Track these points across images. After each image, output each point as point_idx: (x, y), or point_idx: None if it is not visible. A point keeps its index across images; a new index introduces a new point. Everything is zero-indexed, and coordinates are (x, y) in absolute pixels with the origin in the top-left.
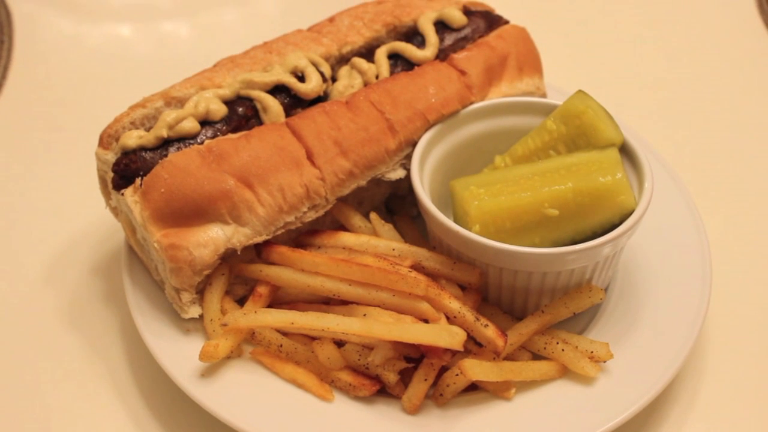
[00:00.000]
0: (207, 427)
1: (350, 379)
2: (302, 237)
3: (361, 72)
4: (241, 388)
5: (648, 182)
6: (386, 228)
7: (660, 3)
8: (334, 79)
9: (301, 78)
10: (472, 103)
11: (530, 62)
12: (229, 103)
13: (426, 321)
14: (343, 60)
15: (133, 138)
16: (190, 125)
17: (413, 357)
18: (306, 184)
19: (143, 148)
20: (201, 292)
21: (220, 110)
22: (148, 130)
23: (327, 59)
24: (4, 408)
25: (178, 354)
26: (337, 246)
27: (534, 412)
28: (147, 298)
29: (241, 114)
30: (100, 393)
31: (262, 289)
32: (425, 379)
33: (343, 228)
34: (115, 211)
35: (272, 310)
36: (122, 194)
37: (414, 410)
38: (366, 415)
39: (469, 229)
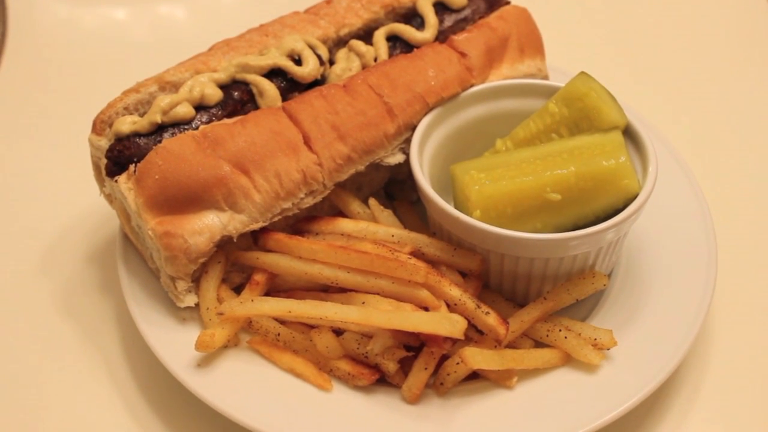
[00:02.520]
0: (204, 417)
1: (349, 368)
2: (300, 224)
3: (359, 54)
4: (238, 378)
5: (652, 166)
6: (385, 214)
7: None
8: (331, 62)
9: (298, 61)
10: (472, 85)
11: (532, 43)
12: (225, 87)
13: (426, 309)
14: (340, 42)
15: (127, 124)
16: (185, 110)
17: (413, 345)
18: (303, 170)
19: (137, 134)
20: (197, 280)
21: (215, 95)
22: (142, 115)
23: (324, 42)
24: None
25: (174, 343)
26: (336, 232)
27: (536, 400)
28: (142, 287)
29: (237, 98)
30: (95, 383)
31: (259, 277)
32: (425, 368)
33: (342, 214)
34: (110, 198)
35: (269, 299)
36: (116, 181)
37: (414, 399)
38: (365, 404)
39: (470, 215)
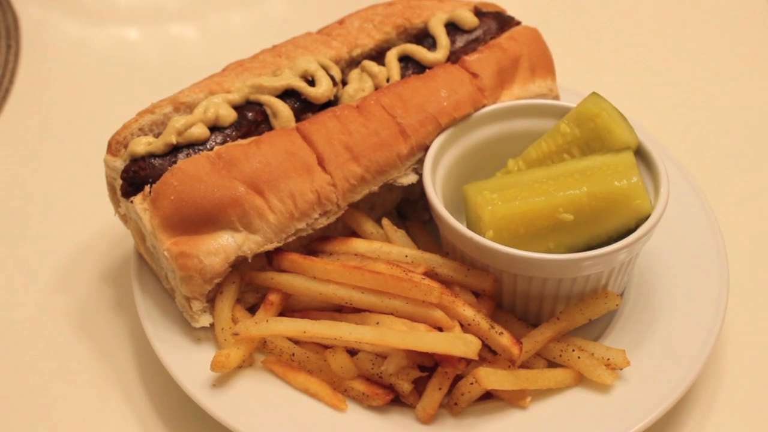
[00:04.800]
0: None
1: (363, 388)
2: (314, 244)
3: (371, 75)
4: (253, 397)
5: (664, 186)
6: (399, 234)
7: (675, 1)
8: (344, 83)
9: (311, 82)
10: (484, 105)
11: (543, 63)
12: (239, 108)
13: (440, 329)
14: (353, 63)
15: (142, 144)
16: (200, 131)
17: (427, 366)
18: (317, 190)
19: (152, 155)
20: (212, 300)
21: (229, 116)
22: (156, 136)
23: (337, 62)
24: (14, 415)
25: (189, 364)
26: (349, 253)
27: (550, 420)
28: (157, 307)
29: (251, 119)
30: (110, 403)
31: (273, 297)
32: (439, 388)
33: (355, 234)
34: (125, 218)
35: (284, 319)
36: (131, 202)
37: (428, 420)
38: (379, 424)
39: (483, 235)
